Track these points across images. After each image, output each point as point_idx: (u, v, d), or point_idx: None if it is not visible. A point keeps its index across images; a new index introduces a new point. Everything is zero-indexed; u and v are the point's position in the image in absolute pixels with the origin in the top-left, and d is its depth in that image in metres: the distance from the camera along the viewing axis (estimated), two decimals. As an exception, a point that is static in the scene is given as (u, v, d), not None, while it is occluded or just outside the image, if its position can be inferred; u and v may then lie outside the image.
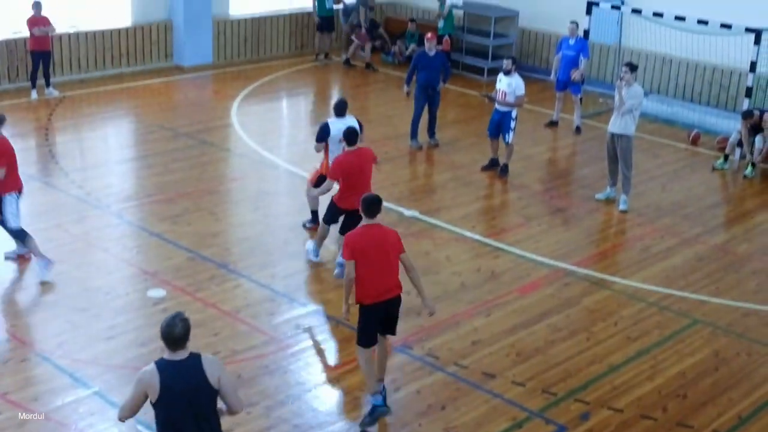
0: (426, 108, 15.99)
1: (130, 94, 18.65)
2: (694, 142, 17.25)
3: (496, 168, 15.08)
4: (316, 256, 11.53)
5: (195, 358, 6.37)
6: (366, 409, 8.64)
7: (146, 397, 6.34)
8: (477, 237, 12.60)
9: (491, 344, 9.96)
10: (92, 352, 9.38)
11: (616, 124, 13.52)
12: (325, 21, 21.53)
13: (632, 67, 13.45)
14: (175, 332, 6.30)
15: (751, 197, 14.91)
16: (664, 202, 14.28)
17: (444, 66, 16.09)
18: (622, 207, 13.72)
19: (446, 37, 20.73)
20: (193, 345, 9.28)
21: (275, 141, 16.49)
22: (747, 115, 15.83)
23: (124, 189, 13.77)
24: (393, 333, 8.74)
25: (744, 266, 12.26)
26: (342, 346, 9.84)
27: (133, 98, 18.42)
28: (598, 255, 12.41)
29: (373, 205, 8.42)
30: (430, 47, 15.82)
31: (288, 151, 15.72)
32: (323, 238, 11.51)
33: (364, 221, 8.47)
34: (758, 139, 15.60)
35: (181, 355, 6.35)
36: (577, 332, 10.31)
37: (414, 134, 16.06)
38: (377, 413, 8.53)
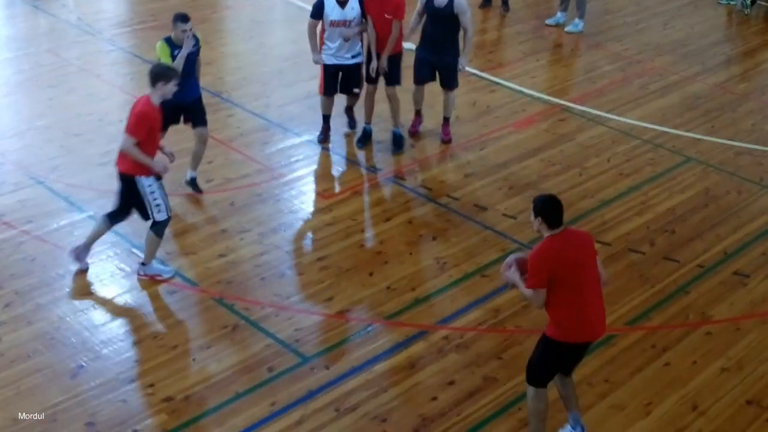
0: None
1: None
2: (700, -22, 16.87)
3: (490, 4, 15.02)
4: None
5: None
6: None
7: None
8: (473, 71, 12.46)
9: (484, 177, 9.99)
10: (86, 177, 9.41)
11: None
12: None
13: None
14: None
15: (753, 36, 14.67)
16: (665, 40, 14.06)
17: None
18: (569, 28, 14.04)
19: None
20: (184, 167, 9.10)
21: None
22: None
23: (117, 15, 13.51)
24: None
25: (741, 105, 12.18)
26: (333, 175, 9.88)
27: None
28: (595, 91, 12.30)
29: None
30: None
31: (284, -20, 15.35)
32: None
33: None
34: None
35: None
36: (570, 167, 10.33)
37: None
38: None
